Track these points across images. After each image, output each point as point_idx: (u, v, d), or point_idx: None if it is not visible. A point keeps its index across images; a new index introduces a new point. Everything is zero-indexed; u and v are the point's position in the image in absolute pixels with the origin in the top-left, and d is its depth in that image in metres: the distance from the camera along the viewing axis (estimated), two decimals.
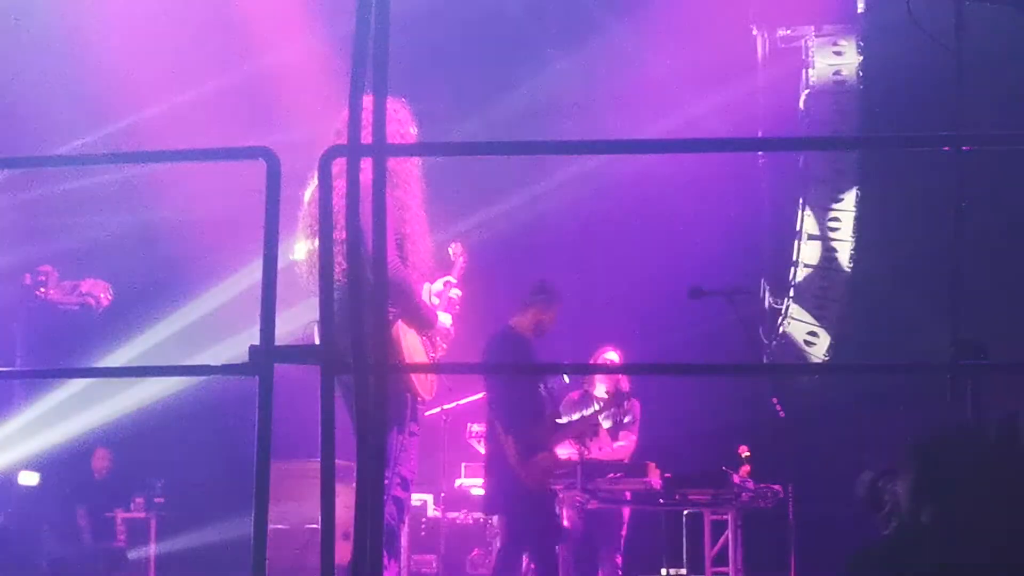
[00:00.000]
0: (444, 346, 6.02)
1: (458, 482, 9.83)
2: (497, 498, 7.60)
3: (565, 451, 8.11)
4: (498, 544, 8.44)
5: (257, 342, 2.74)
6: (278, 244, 2.79)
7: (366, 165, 2.59)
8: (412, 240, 5.70)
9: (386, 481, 5.47)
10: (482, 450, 9.25)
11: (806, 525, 7.77)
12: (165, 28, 10.13)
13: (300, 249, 5.64)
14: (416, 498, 9.36)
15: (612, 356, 8.72)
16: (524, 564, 7.72)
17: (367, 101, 2.47)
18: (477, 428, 9.35)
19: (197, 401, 10.33)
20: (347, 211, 2.49)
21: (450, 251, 6.49)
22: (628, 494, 8.13)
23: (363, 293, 2.39)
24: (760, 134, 10.20)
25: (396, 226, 5.59)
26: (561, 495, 7.85)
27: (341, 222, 2.58)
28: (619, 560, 8.77)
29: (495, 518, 8.87)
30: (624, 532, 8.76)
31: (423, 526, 9.67)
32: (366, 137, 2.47)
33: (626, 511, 8.65)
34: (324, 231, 2.60)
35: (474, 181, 9.89)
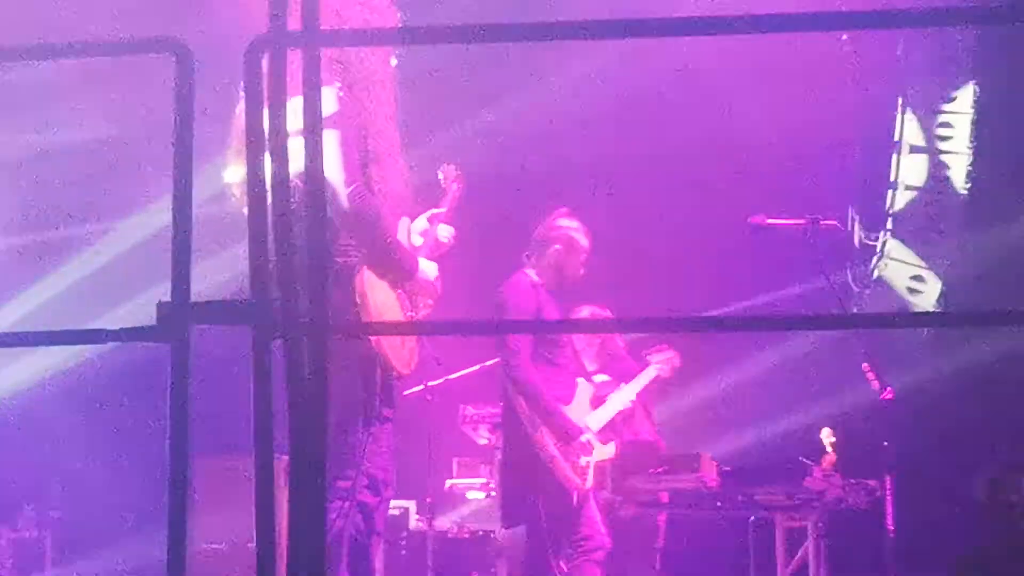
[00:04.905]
0: (429, 303, 6.00)
1: (449, 482, 9.87)
2: (519, 504, 7.63)
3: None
4: (502, 565, 8.50)
5: (167, 298, 2.74)
6: (192, 169, 2.78)
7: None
8: (380, 161, 5.68)
9: (348, 483, 5.49)
10: (483, 440, 9.30)
11: (910, 531, 7.79)
12: None
13: (234, 171, 5.62)
14: (393, 505, 9.39)
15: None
16: None
17: None
18: (472, 411, 9.36)
19: (104, 377, 10.36)
20: (271, 119, 2.48)
21: (440, 175, 6.48)
22: (673, 495, 8.16)
23: (292, 226, 2.38)
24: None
25: (358, 142, 5.58)
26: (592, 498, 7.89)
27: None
28: None
29: (501, 532, 8.92)
30: (661, 544, 8.80)
31: (403, 542, 9.70)
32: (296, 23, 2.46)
33: (661, 517, 8.69)
34: (251, 146, 2.59)
35: (463, 82, 9.85)
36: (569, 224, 7.90)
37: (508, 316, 7.53)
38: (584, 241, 7.88)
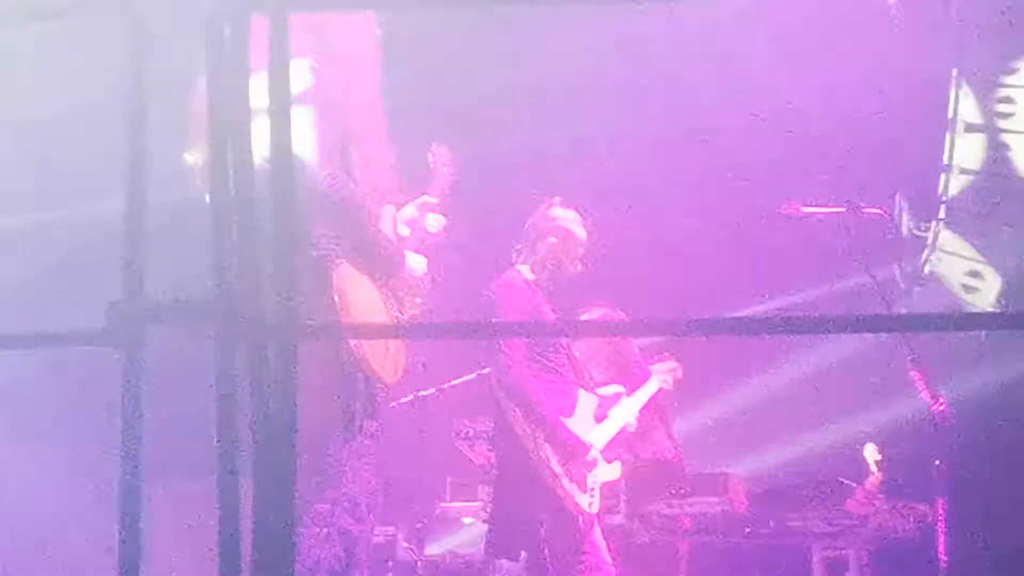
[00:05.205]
0: (418, 301, 6.01)
1: (441, 506, 9.87)
2: (515, 531, 7.63)
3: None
4: None
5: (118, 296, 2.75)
6: (146, 150, 2.79)
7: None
8: (362, 142, 5.69)
9: (327, 507, 5.50)
10: (480, 458, 9.30)
11: (965, 562, 7.80)
12: None
13: (195, 153, 5.64)
14: (377, 531, 9.38)
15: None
16: None
17: None
18: (468, 425, 9.36)
19: (47, 387, 10.36)
20: (237, 98, 2.49)
21: (430, 158, 6.48)
22: (696, 521, 8.16)
23: (259, 215, 2.40)
24: None
25: (336, 122, 5.60)
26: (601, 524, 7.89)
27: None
28: None
29: (499, 562, 8.92)
30: None
31: (390, 573, 9.71)
32: None
33: (683, 545, 8.69)
34: (214, 125, 2.60)
35: (457, 55, 9.85)
36: (564, 214, 7.87)
37: (500, 318, 7.51)
38: (581, 233, 7.85)
